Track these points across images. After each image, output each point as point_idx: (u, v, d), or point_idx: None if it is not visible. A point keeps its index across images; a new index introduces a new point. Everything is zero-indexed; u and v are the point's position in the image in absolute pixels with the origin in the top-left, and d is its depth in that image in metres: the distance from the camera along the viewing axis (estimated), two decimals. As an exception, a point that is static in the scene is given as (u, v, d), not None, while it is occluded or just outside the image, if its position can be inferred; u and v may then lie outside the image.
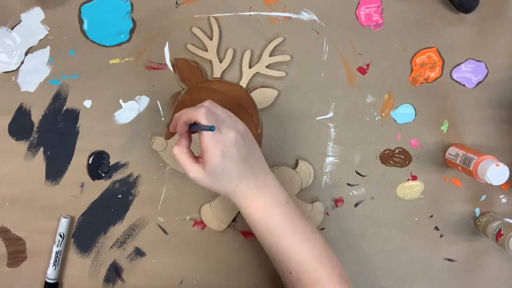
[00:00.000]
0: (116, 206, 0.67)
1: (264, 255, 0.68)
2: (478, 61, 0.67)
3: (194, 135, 0.57)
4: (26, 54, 0.64)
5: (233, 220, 0.68)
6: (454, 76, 0.68)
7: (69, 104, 0.65)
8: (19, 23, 0.63)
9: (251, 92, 0.66)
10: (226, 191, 0.56)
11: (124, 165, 0.66)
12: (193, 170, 0.54)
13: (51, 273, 0.65)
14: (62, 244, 0.65)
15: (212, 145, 0.52)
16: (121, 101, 0.65)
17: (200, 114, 0.52)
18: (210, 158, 0.52)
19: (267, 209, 0.56)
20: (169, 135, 0.65)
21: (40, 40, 0.64)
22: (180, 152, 0.55)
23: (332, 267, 0.56)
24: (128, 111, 0.66)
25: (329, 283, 0.55)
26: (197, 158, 0.55)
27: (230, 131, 0.53)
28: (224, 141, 0.53)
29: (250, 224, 0.58)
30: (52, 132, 0.65)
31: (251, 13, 0.65)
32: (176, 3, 0.64)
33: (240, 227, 0.68)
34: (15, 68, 0.64)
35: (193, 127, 0.54)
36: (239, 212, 0.67)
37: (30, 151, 0.65)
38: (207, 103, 0.55)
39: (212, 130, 0.51)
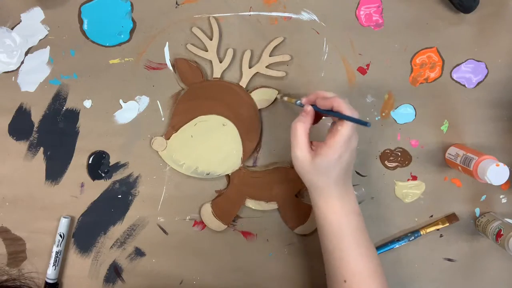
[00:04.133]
0: (116, 206, 0.67)
1: (263, 256, 0.68)
2: (478, 61, 0.67)
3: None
4: (26, 54, 0.64)
5: (233, 220, 0.68)
6: (454, 76, 0.68)
7: (69, 104, 0.65)
8: (19, 23, 0.63)
9: (251, 92, 0.66)
10: (314, 185, 0.57)
11: (124, 165, 0.66)
12: (303, 151, 0.55)
13: (51, 273, 0.65)
14: (62, 244, 0.65)
15: (341, 145, 0.53)
16: (121, 101, 0.65)
17: (354, 111, 0.53)
18: (329, 155, 0.54)
19: (342, 214, 0.57)
20: (169, 135, 0.65)
21: (40, 40, 0.64)
22: (302, 128, 0.56)
23: (382, 284, 0.58)
24: (128, 111, 0.66)
25: None
26: (311, 143, 0.57)
27: (355, 141, 0.56)
28: (348, 146, 0.54)
29: (320, 224, 0.59)
30: (52, 132, 0.65)
31: (251, 13, 0.65)
32: (176, 3, 0.64)
33: (240, 227, 0.68)
34: (15, 68, 0.64)
35: (343, 116, 0.54)
36: (239, 212, 0.67)
37: (30, 151, 0.65)
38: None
39: (367, 126, 0.51)
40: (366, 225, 0.59)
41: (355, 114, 0.53)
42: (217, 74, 0.65)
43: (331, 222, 0.58)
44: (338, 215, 0.57)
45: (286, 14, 0.65)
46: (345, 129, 0.53)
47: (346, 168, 0.56)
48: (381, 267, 0.59)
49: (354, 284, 0.57)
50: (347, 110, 0.53)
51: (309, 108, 0.57)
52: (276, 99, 0.65)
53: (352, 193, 0.59)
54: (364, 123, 0.52)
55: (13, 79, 0.64)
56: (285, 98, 0.63)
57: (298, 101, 0.59)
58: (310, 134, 0.57)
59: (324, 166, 0.55)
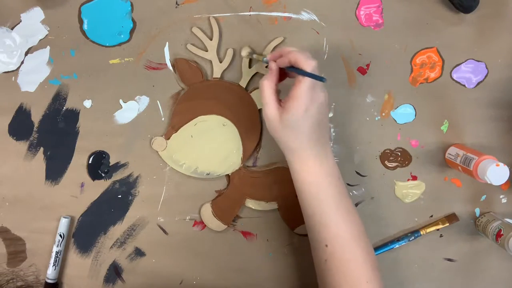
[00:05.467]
0: (116, 206, 0.67)
1: (263, 256, 0.68)
2: (478, 61, 0.67)
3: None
4: (26, 54, 0.64)
5: (233, 220, 0.68)
6: (454, 76, 0.68)
7: (69, 104, 0.65)
8: (19, 23, 0.63)
9: (251, 92, 0.66)
10: (288, 145, 0.56)
11: (124, 165, 0.66)
12: (272, 109, 0.54)
13: (51, 273, 0.65)
14: (62, 244, 0.65)
15: (303, 96, 0.52)
16: (121, 101, 0.65)
17: (312, 64, 0.52)
18: (294, 108, 0.53)
19: (321, 177, 0.56)
20: (169, 135, 0.65)
21: (40, 40, 0.64)
22: (268, 86, 0.55)
23: (367, 251, 0.56)
24: (128, 111, 0.66)
25: (363, 265, 0.55)
26: (280, 100, 0.56)
27: (322, 93, 0.54)
28: (314, 98, 0.53)
29: (299, 188, 0.58)
30: (52, 132, 0.65)
31: (251, 13, 0.65)
32: (176, 3, 0.64)
33: (240, 227, 0.68)
34: (15, 68, 0.64)
35: (296, 70, 0.53)
36: (239, 212, 0.67)
37: (30, 151, 0.65)
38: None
39: (323, 81, 0.51)
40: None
41: (313, 65, 0.52)
42: (217, 74, 0.65)
43: (309, 185, 0.56)
44: (316, 178, 0.56)
45: (286, 14, 0.65)
46: (305, 79, 0.52)
47: (318, 124, 0.55)
48: (365, 233, 0.58)
49: (336, 248, 0.55)
50: (304, 64, 0.52)
51: (273, 65, 0.56)
52: (246, 56, 0.64)
53: (331, 156, 0.58)
54: (320, 79, 0.51)
55: (13, 79, 0.64)
56: (254, 56, 0.63)
57: (265, 58, 0.59)
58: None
59: (293, 120, 0.53)
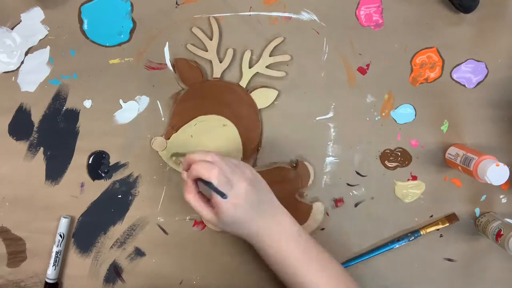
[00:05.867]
0: (116, 206, 0.67)
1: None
2: (478, 61, 0.67)
3: None
4: (26, 54, 0.64)
5: (233, 220, 0.68)
6: (454, 76, 0.68)
7: (69, 104, 0.65)
8: (19, 23, 0.63)
9: (251, 92, 0.66)
10: (240, 235, 0.58)
11: (124, 165, 0.66)
12: (207, 215, 0.56)
13: (51, 273, 0.65)
14: (62, 244, 0.65)
15: (225, 202, 0.53)
16: (121, 101, 0.65)
17: (214, 176, 0.53)
18: (223, 213, 0.54)
19: (279, 244, 0.57)
20: (169, 135, 0.65)
21: (40, 40, 0.64)
22: (193, 200, 0.56)
23: None
24: (128, 111, 0.66)
25: None
26: (209, 200, 0.56)
27: (241, 184, 0.54)
28: (236, 195, 0.54)
29: (266, 261, 0.59)
30: (52, 132, 0.65)
31: (251, 13, 0.65)
32: (176, 3, 0.64)
33: (240, 227, 0.68)
34: (15, 68, 0.64)
35: (204, 183, 0.54)
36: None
37: (30, 151, 0.65)
38: (217, 159, 0.55)
39: (224, 198, 0.52)
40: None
41: (215, 175, 0.52)
42: (217, 74, 0.65)
43: (273, 256, 0.57)
44: (276, 247, 0.57)
45: (286, 14, 0.65)
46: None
47: (257, 202, 0.56)
48: (347, 276, 0.58)
49: None
50: (207, 177, 0.53)
51: (184, 176, 0.57)
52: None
53: (283, 219, 0.58)
54: (221, 195, 0.52)
55: (13, 79, 0.64)
56: (173, 158, 0.65)
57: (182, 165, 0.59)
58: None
59: (229, 220, 0.55)
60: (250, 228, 0.57)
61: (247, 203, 0.55)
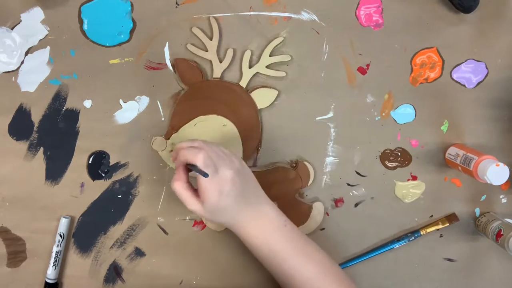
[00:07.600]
0: (116, 206, 0.67)
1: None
2: (478, 61, 0.67)
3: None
4: (26, 54, 0.64)
5: (233, 220, 0.68)
6: (454, 76, 0.68)
7: (69, 104, 0.65)
8: (19, 23, 0.63)
9: (251, 92, 0.66)
10: (225, 223, 0.59)
11: (124, 165, 0.66)
12: (192, 204, 0.56)
13: (51, 273, 0.65)
14: (62, 244, 0.65)
15: (209, 186, 0.54)
16: (121, 101, 0.65)
17: (199, 159, 0.53)
18: (208, 198, 0.54)
19: (265, 234, 0.57)
20: (169, 135, 0.65)
21: (40, 40, 0.64)
22: (179, 187, 0.56)
23: (338, 283, 0.57)
24: (128, 111, 0.66)
25: None
26: (196, 190, 0.56)
27: (227, 171, 0.55)
28: (221, 181, 0.54)
29: (253, 252, 0.59)
30: (52, 132, 0.65)
31: (251, 13, 0.65)
32: (176, 3, 0.64)
33: (240, 227, 0.68)
34: (15, 68, 0.64)
35: (190, 166, 0.55)
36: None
37: (30, 151, 0.65)
38: (204, 145, 0.55)
39: (205, 177, 0.53)
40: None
41: (200, 159, 0.53)
42: (217, 74, 0.65)
43: (260, 246, 0.58)
44: (261, 237, 0.57)
45: (286, 14, 0.65)
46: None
47: (241, 192, 0.56)
48: (334, 265, 0.59)
49: None
50: (193, 160, 0.54)
51: (176, 164, 0.58)
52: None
53: (268, 210, 0.58)
54: (204, 174, 0.52)
55: (13, 79, 0.64)
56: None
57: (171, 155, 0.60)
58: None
59: (215, 207, 0.55)
60: (234, 217, 0.57)
61: (232, 192, 0.55)
